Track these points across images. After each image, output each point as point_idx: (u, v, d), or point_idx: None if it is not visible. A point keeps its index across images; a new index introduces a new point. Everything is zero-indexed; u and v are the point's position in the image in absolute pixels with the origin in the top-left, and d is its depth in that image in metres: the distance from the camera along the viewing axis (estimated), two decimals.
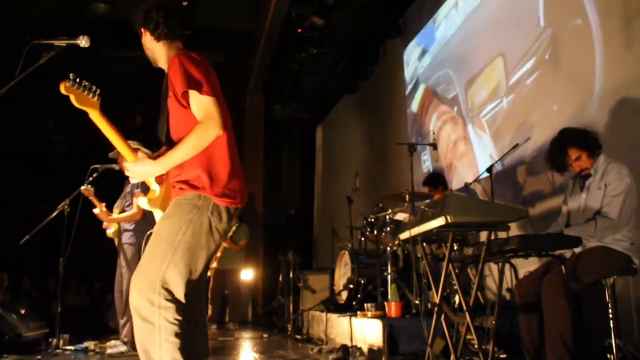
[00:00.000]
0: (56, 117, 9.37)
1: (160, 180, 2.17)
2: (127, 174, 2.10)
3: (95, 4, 6.83)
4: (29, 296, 8.79)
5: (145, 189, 4.73)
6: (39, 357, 4.33)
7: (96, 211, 4.67)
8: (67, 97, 1.99)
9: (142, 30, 2.28)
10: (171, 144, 2.11)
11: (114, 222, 4.72)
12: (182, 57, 2.09)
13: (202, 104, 2.02)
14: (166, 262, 1.94)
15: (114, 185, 4.96)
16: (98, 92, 2.05)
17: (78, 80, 2.01)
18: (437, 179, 5.06)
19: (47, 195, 5.64)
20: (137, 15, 2.28)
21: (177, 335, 1.90)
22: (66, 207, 4.73)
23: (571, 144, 3.10)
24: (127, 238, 4.65)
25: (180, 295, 1.94)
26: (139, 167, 2.06)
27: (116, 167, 4.86)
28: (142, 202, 2.17)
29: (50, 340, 4.80)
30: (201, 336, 2.15)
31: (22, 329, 4.81)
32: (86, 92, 2.02)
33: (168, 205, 2.15)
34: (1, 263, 7.61)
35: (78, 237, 4.63)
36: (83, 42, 2.27)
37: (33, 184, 8.80)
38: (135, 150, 2.09)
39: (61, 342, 4.68)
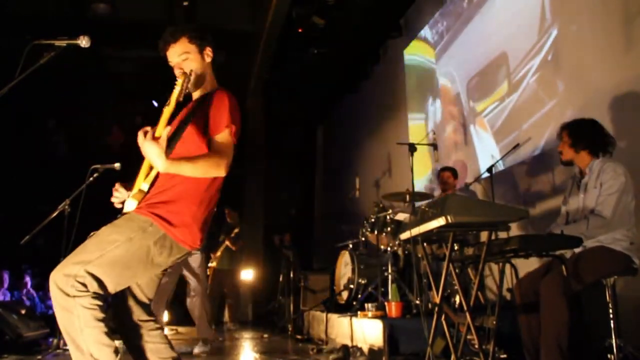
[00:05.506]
0: (56, 117, 9.37)
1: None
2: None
3: (96, 4, 6.82)
4: (29, 296, 8.80)
5: None
6: (39, 357, 4.33)
7: None
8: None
9: (207, 47, 2.25)
10: None
11: None
12: (232, 99, 2.17)
13: (225, 144, 2.09)
14: (88, 263, 1.92)
15: (113, 186, 4.95)
16: None
17: None
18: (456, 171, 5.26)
19: (47, 195, 5.63)
20: (194, 30, 2.23)
21: (98, 319, 1.89)
22: (66, 207, 4.72)
23: (567, 133, 3.14)
24: None
25: (98, 290, 1.92)
26: (150, 147, 1.90)
27: (116, 166, 4.85)
28: (130, 204, 2.09)
29: (50, 340, 4.80)
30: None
31: (22, 329, 4.81)
32: None
33: None
34: (1, 262, 7.61)
35: (78, 237, 4.63)
36: (83, 42, 2.26)
37: (33, 184, 8.79)
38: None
39: (61, 342, 4.68)
